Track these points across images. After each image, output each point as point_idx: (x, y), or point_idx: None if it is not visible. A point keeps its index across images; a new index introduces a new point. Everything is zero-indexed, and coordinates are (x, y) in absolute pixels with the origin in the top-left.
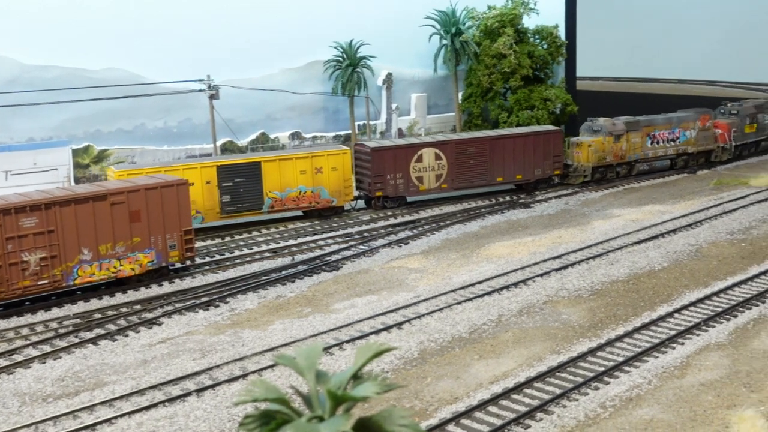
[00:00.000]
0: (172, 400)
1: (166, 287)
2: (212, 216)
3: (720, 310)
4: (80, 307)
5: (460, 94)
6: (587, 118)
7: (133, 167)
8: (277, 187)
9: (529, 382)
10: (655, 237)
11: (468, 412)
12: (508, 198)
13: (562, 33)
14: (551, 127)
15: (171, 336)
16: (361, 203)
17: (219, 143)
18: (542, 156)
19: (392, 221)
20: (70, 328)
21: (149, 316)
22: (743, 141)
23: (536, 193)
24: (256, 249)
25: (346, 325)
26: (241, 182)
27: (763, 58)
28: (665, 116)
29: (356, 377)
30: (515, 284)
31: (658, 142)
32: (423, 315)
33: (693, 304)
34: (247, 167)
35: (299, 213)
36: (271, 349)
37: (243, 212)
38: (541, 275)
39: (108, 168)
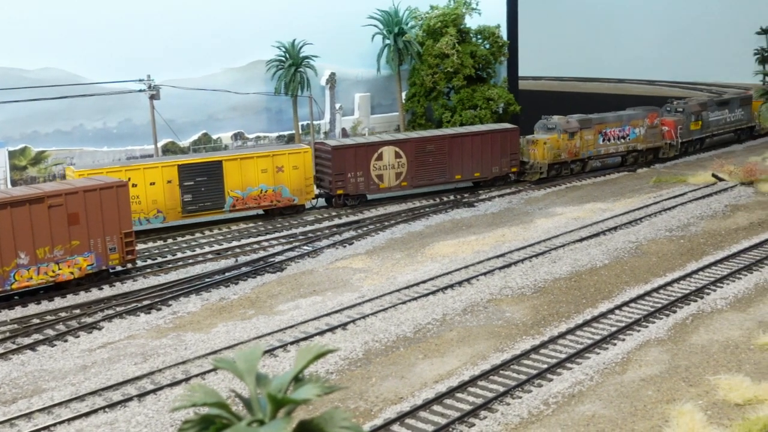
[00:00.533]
0: (112, 405)
1: (107, 291)
2: (174, 215)
3: (659, 306)
4: (18, 312)
5: (403, 94)
6: (541, 116)
7: (94, 167)
8: (238, 186)
9: (473, 381)
10: (597, 235)
11: (412, 412)
12: (452, 197)
13: (504, 33)
14: (508, 126)
15: (112, 340)
16: (321, 201)
17: (160, 144)
18: (499, 154)
19: (337, 221)
20: (8, 334)
21: (89, 320)
22: (689, 138)
23: (479, 192)
24: (199, 251)
25: (290, 327)
26: (202, 181)
27: (698, 58)
28: (616, 114)
29: (297, 379)
30: (459, 283)
31: (609, 140)
32: (367, 315)
33: (633, 300)
34: (209, 166)
35: (260, 212)
36: (214, 352)
37: (204, 211)
38: (484, 274)
39: (67, 167)
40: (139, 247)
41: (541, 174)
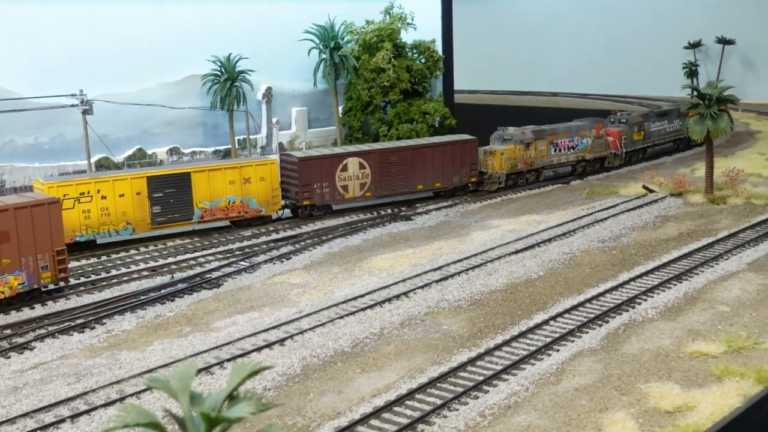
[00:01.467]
0: (45, 427)
1: (39, 310)
2: (143, 227)
3: (593, 316)
4: None
5: (340, 108)
6: (497, 127)
7: (61, 179)
8: (206, 197)
9: (410, 394)
10: (532, 246)
11: (350, 427)
12: (389, 211)
13: (439, 48)
14: (468, 137)
15: (44, 361)
16: (287, 212)
17: (93, 159)
18: (459, 164)
19: (274, 236)
20: None
21: (20, 340)
22: (632, 147)
23: (416, 205)
24: (134, 268)
25: (227, 343)
26: (171, 193)
27: (628, 72)
28: (566, 125)
29: (232, 398)
30: (397, 297)
31: (560, 150)
32: (305, 330)
33: (567, 311)
34: (177, 178)
35: (227, 223)
36: (150, 371)
37: (173, 223)
38: (422, 287)
39: (36, 180)
40: (72, 264)
41: (499, 184)
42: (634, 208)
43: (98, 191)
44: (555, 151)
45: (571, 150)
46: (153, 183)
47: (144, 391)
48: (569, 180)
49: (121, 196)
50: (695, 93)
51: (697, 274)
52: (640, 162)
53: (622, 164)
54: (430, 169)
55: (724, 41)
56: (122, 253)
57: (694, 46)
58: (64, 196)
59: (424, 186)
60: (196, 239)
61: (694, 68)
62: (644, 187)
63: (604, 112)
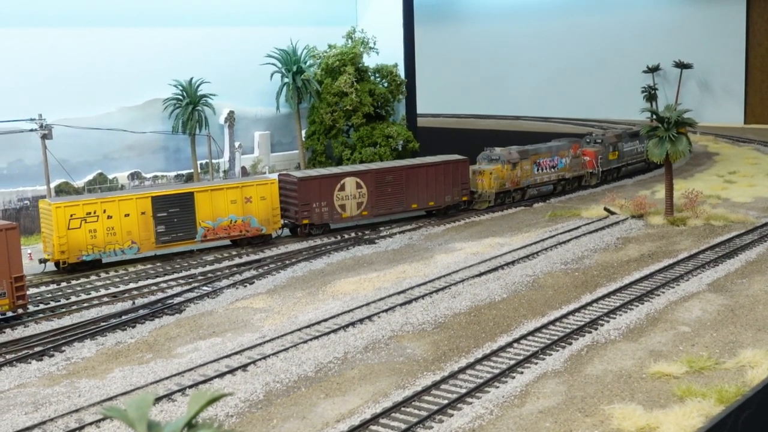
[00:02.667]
0: None
1: None
2: (147, 246)
3: (556, 338)
4: None
5: (303, 132)
6: (485, 148)
7: (68, 199)
8: (209, 216)
9: (374, 419)
10: (495, 269)
11: None
12: (353, 234)
13: (401, 71)
14: (459, 157)
15: (1, 390)
16: (286, 231)
17: (53, 185)
18: (451, 183)
19: (237, 261)
20: None
21: None
22: (608, 167)
23: (380, 228)
24: (94, 294)
25: (189, 370)
26: (175, 212)
27: (588, 95)
28: (547, 145)
29: (190, 426)
30: (361, 320)
31: (543, 169)
32: (268, 356)
33: (531, 333)
34: (181, 197)
35: (228, 242)
36: (110, 399)
37: (177, 242)
38: (386, 311)
39: (42, 200)
40: (31, 291)
41: (489, 202)
42: (596, 230)
43: (104, 211)
44: (538, 170)
45: (552, 169)
46: (157, 203)
47: (103, 420)
48: (532, 202)
49: (127, 215)
50: (654, 116)
51: (659, 295)
52: (615, 180)
53: (598, 183)
54: (423, 189)
55: (682, 65)
56: (82, 279)
57: (653, 70)
58: (71, 215)
59: (418, 205)
60: (158, 264)
61: (652, 92)
62: (606, 209)
63: (566, 135)
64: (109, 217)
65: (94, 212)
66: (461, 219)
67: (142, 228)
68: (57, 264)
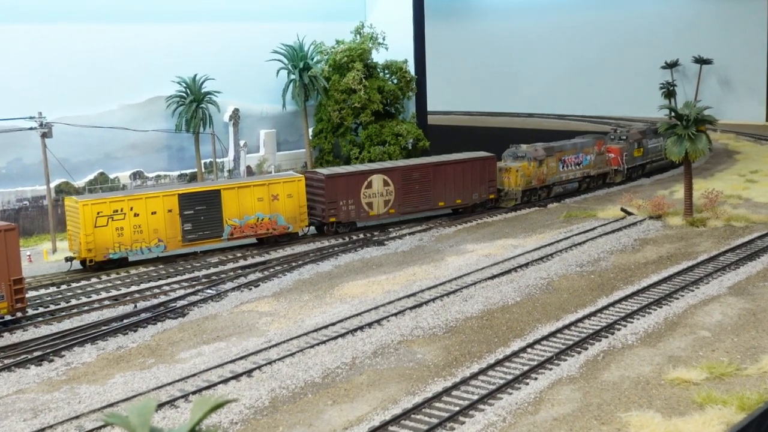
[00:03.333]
0: None
1: None
2: (174, 244)
3: (571, 343)
4: None
5: (310, 130)
6: (509, 144)
7: (95, 197)
8: (236, 214)
9: (383, 426)
10: (508, 271)
11: None
12: (361, 236)
13: (411, 68)
14: (486, 154)
15: None
16: (312, 229)
17: (53, 184)
18: (479, 181)
19: (242, 263)
20: None
21: None
22: (633, 164)
23: (389, 229)
24: (95, 297)
25: (193, 375)
26: (201, 210)
27: (604, 92)
28: (572, 142)
29: None
30: (369, 325)
31: (568, 166)
32: (274, 361)
33: (545, 338)
34: (208, 195)
35: (254, 240)
36: (111, 405)
37: (204, 240)
38: (395, 314)
39: (68, 198)
40: (30, 294)
41: (516, 200)
42: (613, 232)
43: (131, 209)
44: (563, 167)
45: (578, 166)
46: (184, 200)
47: (104, 426)
48: (546, 203)
49: (153, 213)
50: (673, 113)
51: (677, 298)
52: (639, 178)
53: (624, 180)
54: (451, 186)
55: (702, 61)
56: (83, 282)
57: (671, 65)
58: (98, 213)
59: (445, 203)
60: (161, 266)
61: (671, 88)
62: (622, 209)
63: (582, 132)
64: (136, 215)
65: (121, 210)
66: (473, 220)
67: (169, 226)
68: (83, 262)
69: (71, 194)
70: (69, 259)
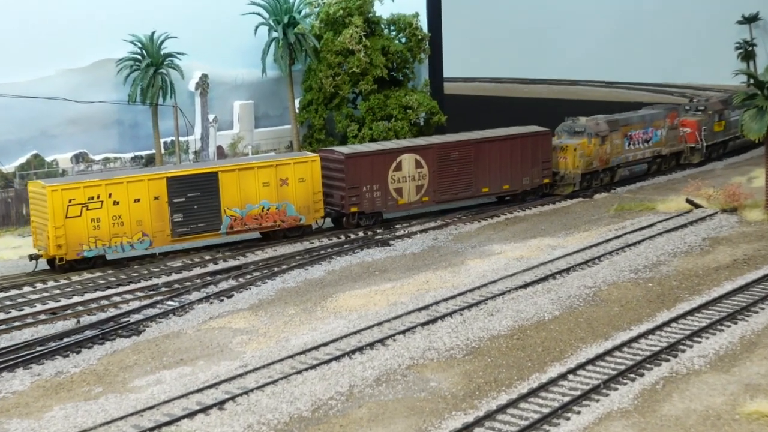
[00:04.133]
0: None
1: None
2: (162, 239)
3: (623, 368)
4: None
5: (297, 102)
6: (564, 117)
7: (66, 181)
8: (236, 203)
9: None
10: (545, 279)
11: None
12: (361, 234)
13: (424, 24)
14: (539, 128)
15: None
16: (328, 222)
17: None
18: (530, 162)
19: (211, 267)
20: None
21: None
22: (713, 140)
23: (396, 226)
24: (28, 310)
25: (150, 408)
26: (194, 197)
27: (663, 56)
28: (639, 114)
29: None
30: (371, 345)
31: (635, 144)
32: (252, 390)
33: (591, 361)
34: (202, 179)
35: (258, 234)
36: None
37: (198, 234)
38: (403, 332)
39: (32, 182)
40: None
41: (573, 186)
42: (676, 229)
43: (109, 195)
44: (629, 145)
45: (646, 144)
46: (174, 185)
47: None
48: (592, 193)
49: (137, 201)
50: (752, 80)
51: (756, 312)
52: (721, 159)
53: (702, 160)
54: (496, 168)
55: None
56: (13, 291)
57: (750, 20)
58: (70, 201)
59: (490, 189)
60: (110, 271)
61: (749, 49)
62: (688, 201)
63: (637, 104)
64: (116, 203)
65: (98, 197)
66: (500, 214)
67: (155, 217)
68: (51, 261)
69: None
70: (34, 258)
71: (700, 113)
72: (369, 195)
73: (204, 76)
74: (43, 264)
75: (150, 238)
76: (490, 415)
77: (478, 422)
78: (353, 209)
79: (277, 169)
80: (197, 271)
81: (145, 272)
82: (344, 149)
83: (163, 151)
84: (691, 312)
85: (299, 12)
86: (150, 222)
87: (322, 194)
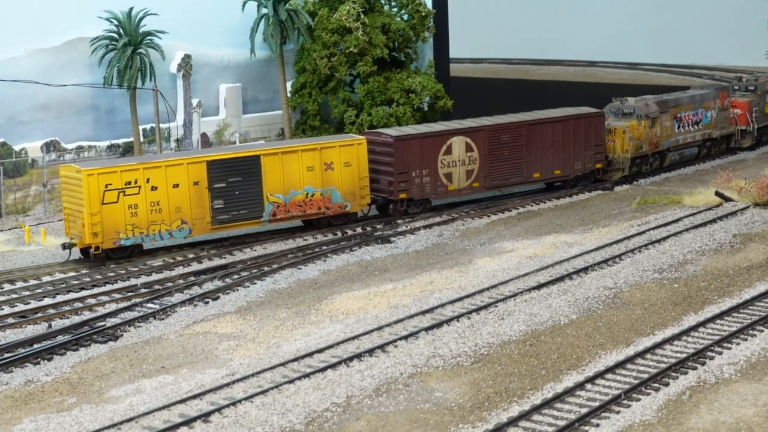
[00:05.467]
0: None
1: None
2: (201, 227)
3: (646, 376)
4: None
5: (288, 85)
6: (612, 98)
7: (102, 164)
8: (279, 188)
9: None
10: (561, 279)
11: None
12: (359, 230)
13: None
14: (592, 110)
15: None
16: (373, 210)
17: None
18: (583, 145)
19: (195, 266)
20: None
21: None
22: (764, 122)
23: (397, 222)
24: None
25: (128, 420)
26: (236, 182)
27: (689, 35)
28: (688, 95)
29: None
30: (370, 352)
31: (684, 126)
32: (240, 401)
33: (610, 369)
34: (244, 163)
35: (299, 223)
36: None
37: (239, 222)
38: (405, 337)
39: (64, 166)
40: None
41: (623, 171)
42: (704, 224)
43: (147, 180)
44: (679, 127)
45: (696, 126)
46: (214, 169)
47: None
48: (612, 185)
49: (175, 186)
50: None
51: None
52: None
53: (754, 144)
54: (548, 153)
55: None
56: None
57: None
58: (107, 186)
59: (542, 174)
60: (84, 271)
61: None
62: (718, 194)
63: (662, 88)
64: (154, 188)
65: (135, 181)
66: (512, 208)
67: (195, 203)
68: (85, 250)
69: None
70: (67, 246)
71: (749, 93)
72: (418, 180)
73: (187, 57)
74: (76, 253)
75: (189, 226)
76: (500, 429)
77: None
78: (402, 195)
79: (322, 153)
80: (180, 270)
81: (122, 272)
82: (392, 131)
83: (142, 139)
84: (720, 315)
85: None
86: (189, 209)
87: (368, 179)
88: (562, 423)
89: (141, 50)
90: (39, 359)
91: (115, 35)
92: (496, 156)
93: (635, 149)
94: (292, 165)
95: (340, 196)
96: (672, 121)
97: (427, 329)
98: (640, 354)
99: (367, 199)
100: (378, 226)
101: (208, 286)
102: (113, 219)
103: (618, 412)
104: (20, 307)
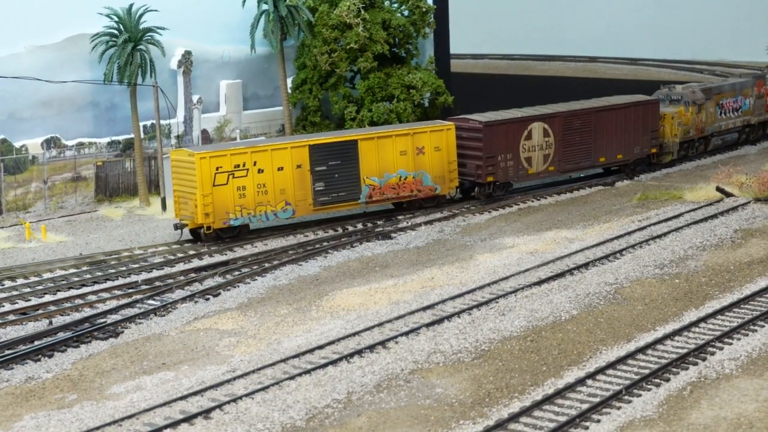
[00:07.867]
0: None
1: None
2: (304, 208)
3: (647, 372)
4: None
5: (289, 81)
6: (660, 85)
7: (211, 148)
8: (375, 171)
9: None
10: (561, 275)
11: None
12: (360, 226)
13: None
14: (647, 97)
15: None
16: (458, 193)
17: None
18: (641, 131)
19: (195, 263)
20: None
21: None
22: None
23: (398, 217)
24: None
25: (129, 417)
26: (335, 166)
27: (689, 30)
28: (729, 82)
29: None
30: (371, 348)
31: (726, 112)
32: (241, 397)
33: (611, 365)
34: (342, 147)
35: (390, 206)
36: None
37: (338, 203)
38: (406, 333)
39: (175, 150)
40: None
41: (672, 155)
42: (705, 219)
43: (254, 163)
44: (721, 114)
45: (736, 112)
46: (316, 153)
47: None
48: (613, 180)
49: (280, 169)
50: None
51: None
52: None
53: None
54: (612, 138)
55: None
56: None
57: None
58: (218, 168)
59: (606, 159)
60: (84, 268)
61: None
62: (718, 189)
63: (664, 83)
64: (260, 171)
65: (243, 164)
66: (512, 204)
67: (298, 185)
68: (196, 231)
69: None
70: (179, 227)
71: None
72: (503, 164)
73: (187, 53)
74: (187, 233)
75: (293, 207)
76: (501, 425)
77: (489, 431)
78: (489, 179)
79: (414, 138)
80: (180, 267)
81: (123, 269)
82: (479, 117)
83: (142, 136)
84: (721, 311)
85: None
86: (293, 191)
87: (456, 163)
88: (563, 419)
89: (141, 47)
90: (40, 356)
91: (116, 32)
92: (568, 141)
93: (683, 134)
94: (387, 149)
95: (430, 179)
96: (715, 107)
97: (427, 325)
98: (641, 349)
99: (455, 182)
100: (379, 223)
101: (209, 283)
102: (223, 200)
103: (619, 408)
104: (21, 303)
